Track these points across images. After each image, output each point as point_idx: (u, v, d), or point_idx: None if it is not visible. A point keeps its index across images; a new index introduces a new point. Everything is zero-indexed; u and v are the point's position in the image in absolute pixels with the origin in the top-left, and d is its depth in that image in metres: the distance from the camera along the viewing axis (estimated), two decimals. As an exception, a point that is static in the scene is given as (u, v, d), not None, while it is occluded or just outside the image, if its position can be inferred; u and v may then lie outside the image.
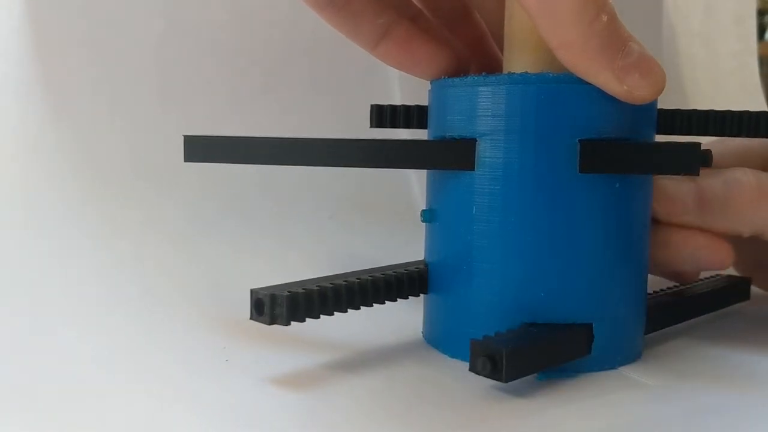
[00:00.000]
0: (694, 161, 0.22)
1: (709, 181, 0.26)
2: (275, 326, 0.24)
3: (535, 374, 0.24)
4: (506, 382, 0.21)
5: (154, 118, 0.42)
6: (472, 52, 0.30)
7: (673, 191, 0.26)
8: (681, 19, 0.60)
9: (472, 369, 0.21)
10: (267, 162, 0.25)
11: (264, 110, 0.45)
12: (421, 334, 0.28)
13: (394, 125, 0.29)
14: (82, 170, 0.40)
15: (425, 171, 0.28)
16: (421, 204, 0.38)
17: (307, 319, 0.24)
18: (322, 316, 0.24)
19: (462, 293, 0.25)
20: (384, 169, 0.30)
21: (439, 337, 0.27)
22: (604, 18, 0.22)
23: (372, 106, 0.30)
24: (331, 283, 0.25)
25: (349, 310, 0.25)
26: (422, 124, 0.29)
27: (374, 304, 0.26)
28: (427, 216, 0.27)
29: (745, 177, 0.26)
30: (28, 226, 0.37)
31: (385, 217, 0.45)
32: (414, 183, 0.48)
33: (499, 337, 0.22)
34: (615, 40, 0.23)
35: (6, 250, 0.35)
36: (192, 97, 0.43)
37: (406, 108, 0.29)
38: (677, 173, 0.23)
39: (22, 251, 0.35)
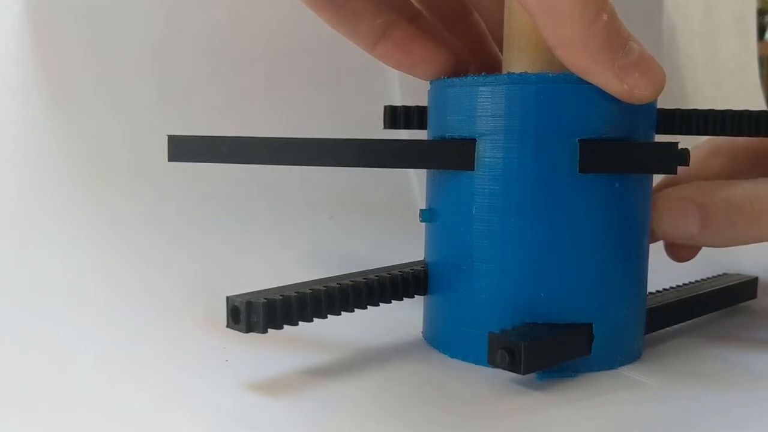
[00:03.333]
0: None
1: (711, 202, 0.26)
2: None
3: (535, 374, 0.24)
4: (524, 374, 0.21)
5: (154, 118, 0.42)
6: (471, 52, 0.30)
7: (678, 220, 0.27)
8: (681, 19, 0.60)
9: (490, 362, 0.22)
10: (254, 162, 0.24)
11: (264, 110, 0.45)
12: (421, 334, 0.28)
13: (408, 126, 0.29)
14: (82, 170, 0.40)
15: (425, 171, 0.28)
16: (421, 204, 0.38)
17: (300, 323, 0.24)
18: (317, 318, 0.24)
19: (462, 293, 0.25)
20: (384, 169, 0.30)
21: (439, 337, 0.27)
22: (605, 17, 0.22)
23: (385, 107, 0.29)
24: (311, 289, 0.24)
25: (328, 315, 0.24)
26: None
27: (368, 307, 0.26)
28: (426, 216, 0.27)
29: (745, 196, 0.26)
30: (27, 226, 0.37)
31: (385, 217, 0.45)
32: (414, 183, 0.47)
33: (516, 331, 0.23)
34: (615, 39, 0.23)
35: (5, 250, 0.35)
36: (191, 98, 0.43)
37: (420, 109, 0.29)
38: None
39: (21, 251, 0.35)
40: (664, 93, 0.24)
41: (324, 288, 0.24)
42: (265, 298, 0.23)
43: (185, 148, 0.25)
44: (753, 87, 0.66)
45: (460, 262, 0.25)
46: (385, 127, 0.29)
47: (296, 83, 0.46)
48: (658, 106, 0.26)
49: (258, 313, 0.22)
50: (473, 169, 0.24)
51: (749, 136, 0.27)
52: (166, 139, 0.25)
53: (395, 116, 0.29)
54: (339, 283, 0.25)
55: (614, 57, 0.23)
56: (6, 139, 0.39)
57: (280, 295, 0.23)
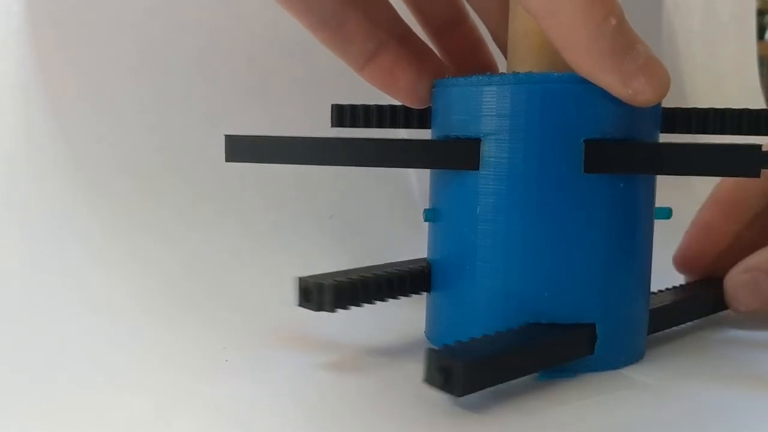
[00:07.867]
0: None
1: None
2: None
3: (536, 374, 0.24)
4: (461, 396, 0.21)
5: (154, 118, 0.42)
6: (466, 60, 0.30)
7: (753, 292, 0.29)
8: (681, 19, 0.60)
9: (427, 380, 0.21)
10: (310, 162, 0.25)
11: (263, 111, 0.45)
12: (424, 334, 0.28)
13: (354, 125, 0.30)
14: (81, 170, 0.40)
15: (426, 170, 0.28)
16: (421, 204, 0.38)
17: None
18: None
19: (465, 293, 0.25)
20: (385, 168, 0.30)
21: (442, 336, 0.27)
22: (612, 21, 0.22)
23: (332, 105, 0.30)
24: (373, 273, 0.26)
25: (387, 299, 0.26)
26: (383, 124, 0.29)
27: (412, 294, 0.27)
28: (430, 215, 0.27)
29: None
30: (25, 225, 0.37)
31: (385, 217, 0.45)
32: (414, 183, 0.47)
33: (460, 347, 0.21)
34: (622, 43, 0.22)
35: (3, 250, 0.35)
36: (191, 99, 0.43)
37: (365, 107, 0.29)
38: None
39: (19, 251, 0.35)
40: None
41: (384, 273, 0.26)
42: (335, 280, 0.25)
43: (242, 149, 0.26)
44: (752, 87, 0.66)
45: (463, 261, 0.25)
46: (332, 126, 0.30)
47: (294, 84, 0.45)
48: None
49: (328, 294, 0.24)
50: (478, 169, 0.24)
51: (749, 135, 0.27)
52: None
53: (342, 114, 0.30)
54: (398, 269, 0.27)
55: (620, 61, 0.22)
56: (5, 139, 0.39)
57: (347, 278, 0.25)
